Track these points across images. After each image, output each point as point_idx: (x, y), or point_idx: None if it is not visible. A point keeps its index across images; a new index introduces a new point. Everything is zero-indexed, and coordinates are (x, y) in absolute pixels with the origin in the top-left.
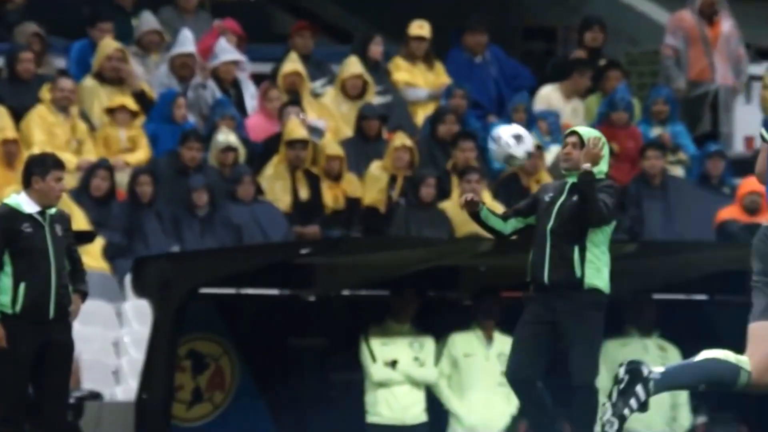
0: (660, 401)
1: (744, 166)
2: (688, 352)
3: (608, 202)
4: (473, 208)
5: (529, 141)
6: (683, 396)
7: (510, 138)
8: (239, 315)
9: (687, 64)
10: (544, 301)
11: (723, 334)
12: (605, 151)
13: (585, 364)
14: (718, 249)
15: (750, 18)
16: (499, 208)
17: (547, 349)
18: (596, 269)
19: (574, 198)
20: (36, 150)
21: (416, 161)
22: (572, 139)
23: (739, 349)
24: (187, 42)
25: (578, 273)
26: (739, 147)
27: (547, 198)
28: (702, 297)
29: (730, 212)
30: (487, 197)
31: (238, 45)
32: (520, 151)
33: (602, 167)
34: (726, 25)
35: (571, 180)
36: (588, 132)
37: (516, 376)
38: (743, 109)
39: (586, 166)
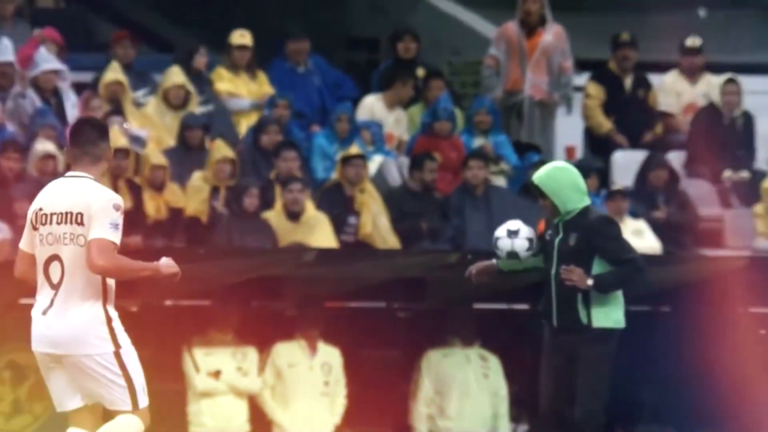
0: (480, 411)
1: None
2: (508, 361)
3: (623, 252)
4: (489, 277)
5: (525, 232)
6: (504, 405)
7: (505, 237)
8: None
9: (505, 74)
10: (557, 338)
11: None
12: (572, 182)
13: (586, 397)
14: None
15: (571, 30)
16: None
17: (568, 378)
18: (604, 312)
19: (571, 241)
20: None
21: (237, 171)
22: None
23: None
24: (5, 51)
25: (584, 319)
26: (559, 157)
27: (547, 236)
28: (523, 306)
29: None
30: (310, 207)
31: (59, 54)
32: (519, 244)
33: (576, 204)
34: (547, 37)
35: (558, 220)
36: (542, 185)
37: (546, 410)
38: (564, 119)
39: (589, 282)
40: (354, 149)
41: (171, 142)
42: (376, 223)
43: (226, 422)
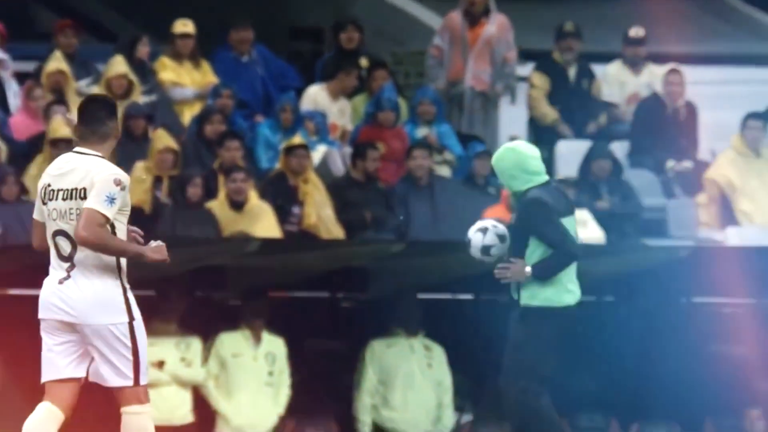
0: (425, 401)
1: None
2: (452, 351)
3: (552, 235)
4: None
5: (492, 234)
6: (448, 395)
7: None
8: (3, 316)
9: (448, 65)
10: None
11: (487, 334)
12: (518, 163)
13: (504, 378)
14: None
15: (515, 20)
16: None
17: None
18: (530, 290)
19: (512, 220)
20: None
21: (179, 161)
22: None
23: (503, 348)
24: None
25: (515, 295)
26: None
27: None
28: (467, 297)
29: (495, 212)
30: (253, 197)
31: (0, 43)
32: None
33: (520, 186)
34: (491, 28)
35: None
36: (494, 165)
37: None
38: (508, 109)
39: (528, 271)
40: (297, 139)
41: None
42: (320, 213)
43: (170, 413)
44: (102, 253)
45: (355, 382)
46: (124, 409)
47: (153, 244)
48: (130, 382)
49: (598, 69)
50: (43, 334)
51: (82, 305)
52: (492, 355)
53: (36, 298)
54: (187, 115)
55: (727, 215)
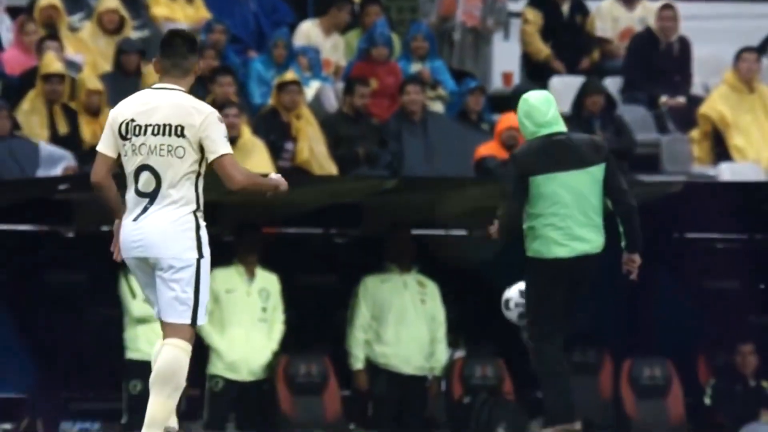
0: (418, 336)
1: (502, 102)
2: (446, 287)
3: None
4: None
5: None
6: (441, 331)
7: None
8: None
9: (440, 0)
10: None
11: (480, 269)
12: (525, 112)
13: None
14: (476, 185)
15: None
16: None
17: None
18: (528, 240)
19: None
20: None
21: None
22: None
23: (496, 284)
24: None
25: (525, 243)
26: (497, 83)
27: None
28: (461, 232)
29: (488, 148)
30: (246, 132)
31: None
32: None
33: (527, 135)
34: None
35: None
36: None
37: None
38: (501, 45)
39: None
40: (289, 75)
41: (107, 67)
42: (313, 149)
43: None
44: (253, 192)
45: (348, 317)
46: (168, 340)
47: (273, 176)
48: (188, 320)
49: (591, 4)
50: (134, 275)
51: (154, 238)
52: (485, 290)
53: (26, 233)
54: None
55: (720, 151)
